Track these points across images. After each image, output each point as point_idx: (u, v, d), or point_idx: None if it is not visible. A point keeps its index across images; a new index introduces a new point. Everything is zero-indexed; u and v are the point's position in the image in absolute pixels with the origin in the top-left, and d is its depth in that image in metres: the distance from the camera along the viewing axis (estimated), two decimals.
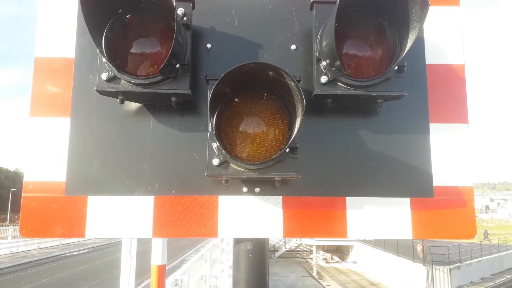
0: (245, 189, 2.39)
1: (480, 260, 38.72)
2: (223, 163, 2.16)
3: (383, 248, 40.18)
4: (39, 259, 34.22)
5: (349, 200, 2.43)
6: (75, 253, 38.65)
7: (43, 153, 2.39)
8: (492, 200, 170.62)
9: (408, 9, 2.10)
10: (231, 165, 2.16)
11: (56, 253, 37.47)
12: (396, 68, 2.22)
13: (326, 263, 50.66)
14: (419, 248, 34.35)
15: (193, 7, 2.32)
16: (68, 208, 2.34)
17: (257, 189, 2.40)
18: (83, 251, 39.62)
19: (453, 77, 2.59)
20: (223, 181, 2.27)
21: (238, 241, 2.54)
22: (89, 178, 2.37)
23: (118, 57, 2.19)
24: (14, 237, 41.16)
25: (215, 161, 2.16)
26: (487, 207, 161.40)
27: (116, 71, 2.14)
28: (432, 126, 2.52)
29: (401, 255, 36.97)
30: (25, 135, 2.40)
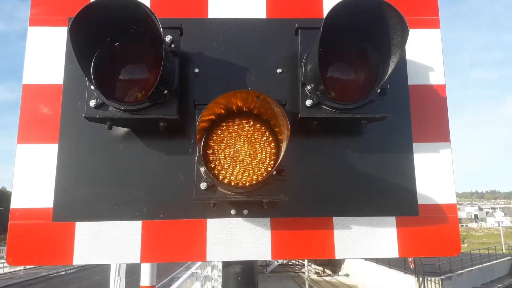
0: (233, 212, 2.41)
1: (471, 270, 38.83)
2: (211, 187, 2.19)
3: (375, 261, 40.09)
4: (26, 280, 33.45)
5: (336, 220, 2.46)
6: (62, 273, 37.85)
7: (30, 180, 2.38)
8: (481, 209, 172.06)
9: (389, 35, 2.18)
10: (219, 188, 2.19)
11: (44, 274, 36.65)
12: (379, 90, 2.28)
13: (318, 276, 50.23)
14: (410, 260, 34.35)
15: (181, 34, 2.36)
16: (55, 234, 2.33)
17: (245, 211, 2.42)
18: (71, 270, 38.80)
19: (435, 97, 2.66)
20: (211, 204, 2.29)
21: (227, 264, 2.55)
22: (77, 204, 2.36)
23: (106, 84, 2.21)
24: None
25: (203, 185, 2.18)
26: (476, 216, 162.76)
27: (105, 98, 2.16)
28: (416, 146, 2.58)
29: (393, 267, 36.93)
30: (13, 162, 2.39)
